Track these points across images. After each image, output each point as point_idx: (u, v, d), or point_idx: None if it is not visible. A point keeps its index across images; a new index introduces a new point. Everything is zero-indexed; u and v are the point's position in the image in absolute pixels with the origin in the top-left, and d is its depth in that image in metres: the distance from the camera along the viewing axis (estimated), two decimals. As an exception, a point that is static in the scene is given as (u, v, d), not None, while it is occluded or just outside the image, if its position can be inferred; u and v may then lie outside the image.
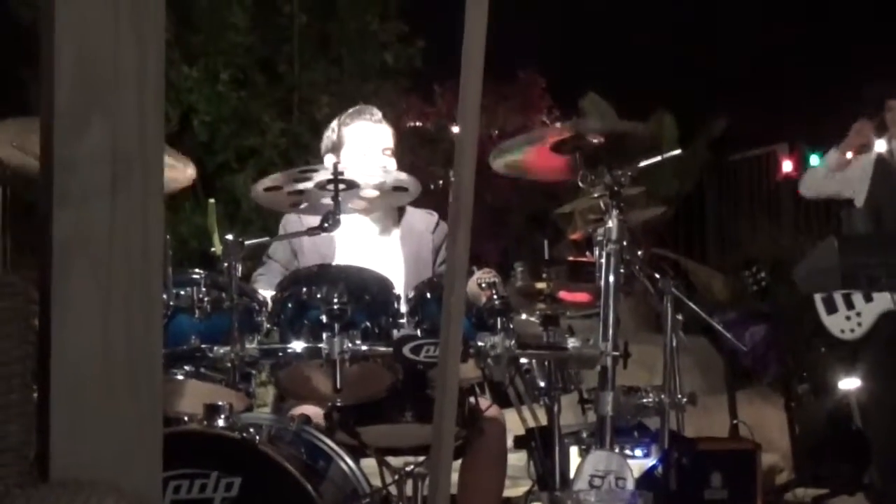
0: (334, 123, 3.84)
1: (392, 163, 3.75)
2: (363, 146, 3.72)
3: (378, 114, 3.85)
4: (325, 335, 2.80)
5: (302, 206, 3.13)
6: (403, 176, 3.11)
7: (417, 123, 9.59)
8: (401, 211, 3.81)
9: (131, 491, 1.59)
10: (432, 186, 8.59)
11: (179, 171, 3.31)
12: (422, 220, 3.83)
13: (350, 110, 3.89)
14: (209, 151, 7.74)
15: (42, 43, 1.71)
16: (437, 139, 9.22)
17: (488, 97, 9.59)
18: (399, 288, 3.04)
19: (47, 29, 1.69)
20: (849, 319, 5.07)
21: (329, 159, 3.76)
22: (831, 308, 5.14)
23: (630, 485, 2.97)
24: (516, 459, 5.15)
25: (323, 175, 2.94)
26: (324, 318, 2.83)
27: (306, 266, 3.17)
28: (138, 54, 1.71)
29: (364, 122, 3.78)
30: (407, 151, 8.08)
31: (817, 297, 5.19)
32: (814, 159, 9.66)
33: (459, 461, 3.43)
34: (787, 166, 9.99)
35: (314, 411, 3.21)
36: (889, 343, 4.92)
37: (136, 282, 1.67)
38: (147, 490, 1.66)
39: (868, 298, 4.97)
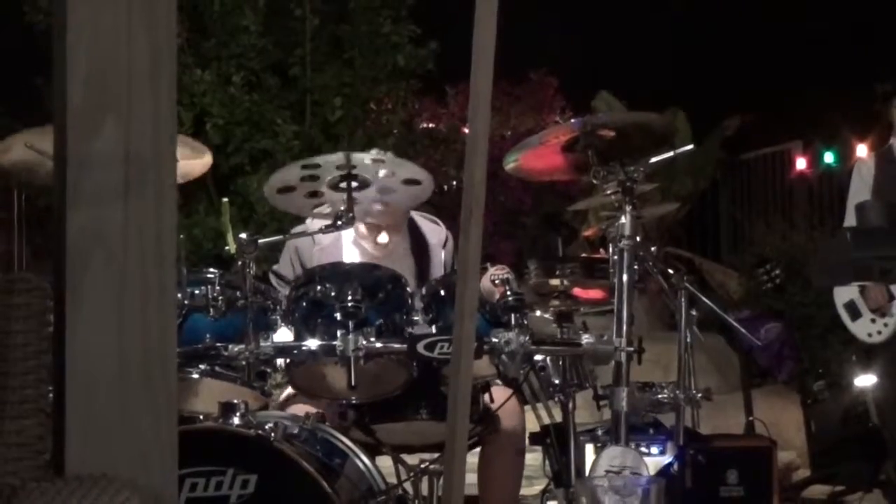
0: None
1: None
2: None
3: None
4: (339, 333, 2.81)
5: (325, 210, 3.10)
6: (414, 168, 3.06)
7: (430, 125, 9.61)
8: (411, 226, 3.80)
9: (147, 487, 1.59)
10: (446, 188, 8.59)
11: (195, 160, 3.33)
12: (432, 232, 3.82)
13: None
14: (223, 154, 7.76)
15: (55, 44, 1.72)
16: (450, 140, 9.23)
17: (500, 98, 9.60)
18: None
19: (60, 30, 1.69)
20: (874, 322, 5.06)
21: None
22: (855, 313, 5.13)
23: (645, 480, 2.97)
24: (532, 459, 5.15)
25: (331, 172, 2.93)
26: (338, 316, 2.84)
27: (319, 264, 3.17)
28: (151, 54, 1.72)
29: None
30: (420, 153, 8.10)
31: (839, 305, 5.19)
32: (828, 156, 9.68)
33: (476, 460, 3.44)
34: (801, 164, 9.97)
35: (326, 409, 3.22)
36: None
37: (150, 279, 1.68)
38: (163, 487, 1.66)
39: (890, 297, 4.96)
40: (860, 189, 5.27)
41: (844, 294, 5.16)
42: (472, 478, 3.43)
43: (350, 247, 3.64)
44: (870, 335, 5.08)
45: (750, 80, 10.76)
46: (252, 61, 7.98)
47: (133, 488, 1.52)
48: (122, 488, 1.47)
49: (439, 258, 3.75)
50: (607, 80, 10.14)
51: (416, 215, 3.81)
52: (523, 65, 9.94)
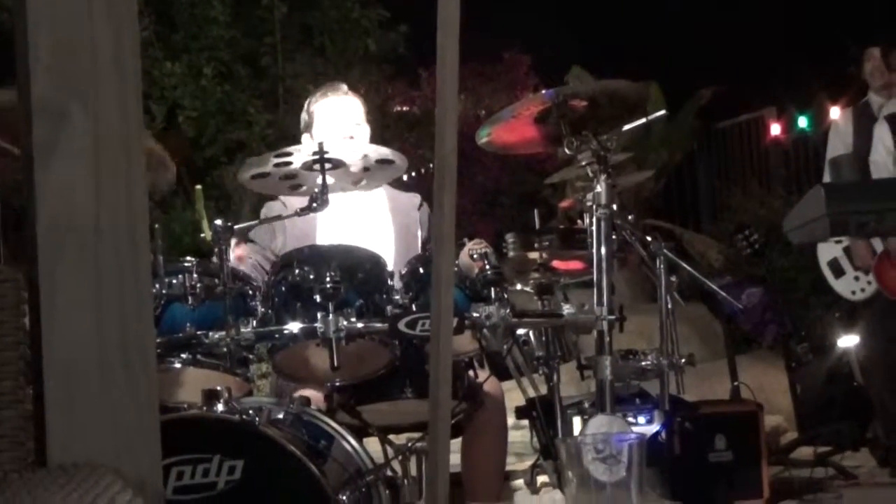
0: (305, 104, 3.90)
1: (363, 130, 3.78)
2: (332, 120, 3.76)
3: (344, 87, 3.94)
4: (319, 315, 2.80)
5: (301, 189, 3.12)
6: (385, 150, 3.10)
7: (404, 108, 9.58)
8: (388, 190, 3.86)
9: (131, 474, 1.58)
10: (423, 171, 8.57)
11: (161, 174, 3.30)
12: (408, 198, 3.89)
13: (319, 89, 3.96)
14: (197, 147, 7.74)
15: (16, 33, 1.70)
16: (425, 123, 9.21)
17: (474, 79, 9.58)
18: (390, 257, 3.04)
19: (20, 19, 1.68)
20: (858, 279, 5.07)
21: (305, 139, 3.80)
22: (838, 271, 5.15)
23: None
24: (520, 435, 5.16)
25: (302, 156, 2.95)
26: (318, 299, 2.82)
27: (297, 248, 3.16)
28: (114, 40, 1.70)
29: (331, 98, 3.83)
30: (395, 136, 8.08)
31: (823, 263, 5.21)
32: (802, 121, 9.72)
33: (461, 439, 3.44)
34: (776, 129, 10.00)
35: (314, 395, 3.21)
36: (890, 302, 4.92)
37: (125, 266, 1.67)
38: (147, 473, 1.66)
39: (873, 253, 4.97)
40: (837, 147, 5.28)
41: (828, 252, 5.17)
42: (457, 458, 3.44)
43: (326, 212, 3.65)
44: (853, 293, 5.09)
45: (722, 48, 10.77)
46: (222, 52, 7.94)
47: (117, 475, 1.51)
48: (105, 475, 1.47)
49: (415, 217, 3.80)
50: (579, 56, 10.14)
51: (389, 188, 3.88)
52: (495, 44, 9.93)
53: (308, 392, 3.20)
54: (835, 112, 7.73)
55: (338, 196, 3.51)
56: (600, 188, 3.05)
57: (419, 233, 3.76)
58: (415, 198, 3.88)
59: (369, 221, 3.73)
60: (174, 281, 2.87)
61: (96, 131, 1.68)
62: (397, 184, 3.80)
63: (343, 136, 3.71)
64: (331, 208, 3.33)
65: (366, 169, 3.09)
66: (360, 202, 3.76)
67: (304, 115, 3.90)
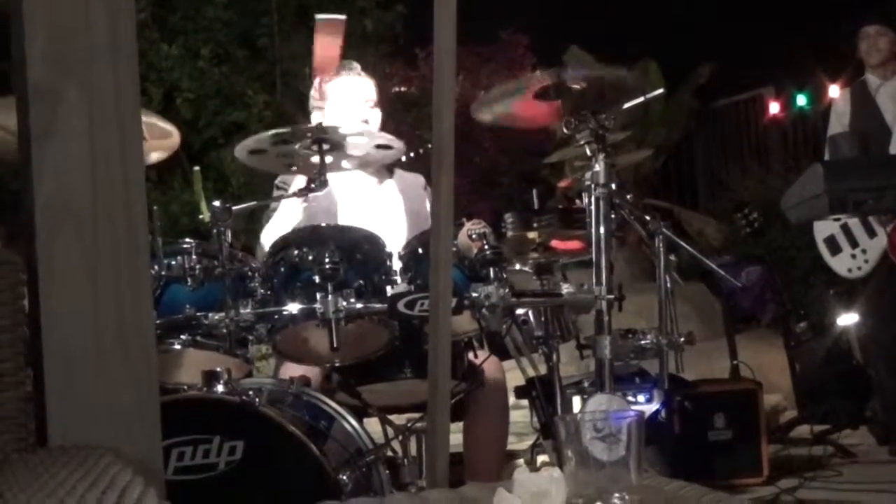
0: (316, 82, 3.88)
1: (376, 114, 3.78)
2: (346, 99, 3.75)
3: (358, 67, 3.92)
4: (318, 296, 2.80)
5: (293, 168, 3.11)
6: (385, 136, 3.09)
7: (402, 88, 9.56)
8: (390, 170, 3.85)
9: (131, 454, 1.59)
10: (421, 151, 8.55)
11: (163, 140, 3.29)
12: (413, 178, 3.90)
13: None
14: (195, 129, 7.73)
15: (12, 17, 1.70)
16: (422, 103, 9.20)
17: (471, 59, 9.56)
18: (402, 238, 3.03)
19: (17, 3, 1.68)
20: (854, 258, 5.06)
21: (316, 117, 3.79)
22: (835, 249, 5.13)
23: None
24: (520, 416, 5.17)
25: (303, 137, 2.93)
26: (317, 279, 2.82)
27: (295, 229, 3.16)
28: (109, 22, 1.70)
29: (344, 77, 3.82)
30: (392, 117, 8.06)
31: (819, 240, 5.20)
32: (800, 99, 9.71)
33: (462, 419, 3.44)
34: (774, 108, 10.00)
35: (313, 375, 3.22)
36: (888, 280, 4.92)
37: (121, 248, 1.67)
38: (147, 453, 1.66)
39: (871, 234, 4.97)
40: (835, 127, 5.27)
41: (824, 229, 5.16)
42: (458, 437, 3.44)
43: (340, 192, 3.64)
44: (850, 270, 5.08)
45: (720, 27, 10.74)
46: (219, 34, 7.93)
47: (116, 455, 1.52)
48: (105, 455, 1.47)
49: (423, 197, 3.81)
50: (577, 34, 10.11)
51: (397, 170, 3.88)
52: (492, 25, 9.90)
53: (308, 372, 3.21)
54: (833, 90, 7.72)
55: (350, 176, 3.50)
56: (599, 167, 3.04)
57: (427, 213, 3.75)
58: (419, 178, 3.88)
59: (383, 202, 3.74)
60: (173, 262, 2.86)
61: (92, 113, 1.68)
62: (400, 162, 3.80)
63: (358, 119, 3.70)
64: (347, 186, 3.33)
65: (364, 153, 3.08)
66: (371, 183, 3.76)
67: (313, 93, 3.88)
